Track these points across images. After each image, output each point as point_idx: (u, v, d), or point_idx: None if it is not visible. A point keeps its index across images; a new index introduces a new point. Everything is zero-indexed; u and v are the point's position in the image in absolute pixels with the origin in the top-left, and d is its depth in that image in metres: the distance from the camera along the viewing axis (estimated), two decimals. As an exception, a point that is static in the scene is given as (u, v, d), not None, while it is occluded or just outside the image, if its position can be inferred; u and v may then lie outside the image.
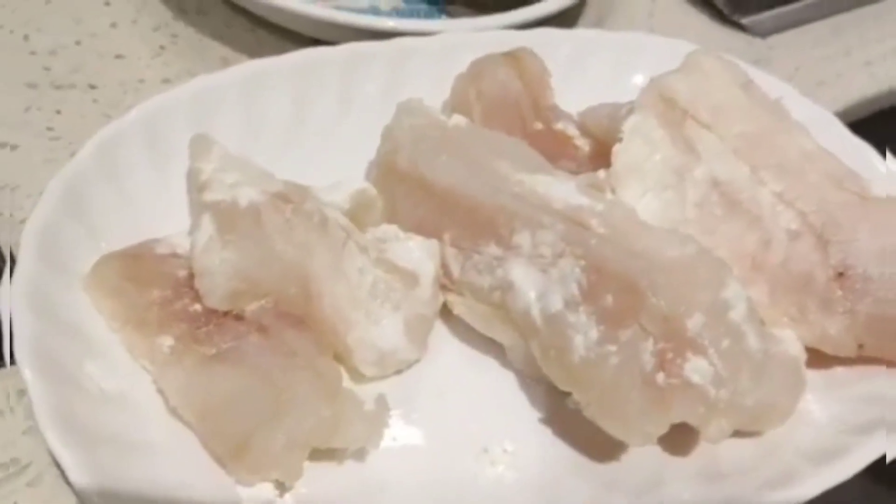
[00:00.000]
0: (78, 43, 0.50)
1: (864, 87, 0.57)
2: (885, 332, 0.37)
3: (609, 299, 0.32)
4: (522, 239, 0.34)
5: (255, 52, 0.51)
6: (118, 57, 0.49)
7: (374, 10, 0.53)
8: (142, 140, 0.38)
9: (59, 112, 0.46)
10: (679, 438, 0.34)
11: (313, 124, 0.43)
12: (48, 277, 0.33)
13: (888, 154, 0.45)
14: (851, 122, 0.50)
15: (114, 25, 0.51)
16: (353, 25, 0.47)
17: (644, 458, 0.34)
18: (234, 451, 0.29)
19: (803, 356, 0.36)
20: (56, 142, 0.44)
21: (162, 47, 0.50)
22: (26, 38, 0.50)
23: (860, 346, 0.37)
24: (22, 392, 0.34)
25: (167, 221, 0.37)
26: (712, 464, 0.34)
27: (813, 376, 0.37)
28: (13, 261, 0.38)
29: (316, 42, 0.48)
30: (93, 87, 0.47)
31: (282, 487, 0.30)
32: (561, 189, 0.35)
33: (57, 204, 0.34)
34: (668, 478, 0.33)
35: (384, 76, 0.44)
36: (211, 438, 0.30)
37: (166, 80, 0.49)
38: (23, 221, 0.40)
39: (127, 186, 0.37)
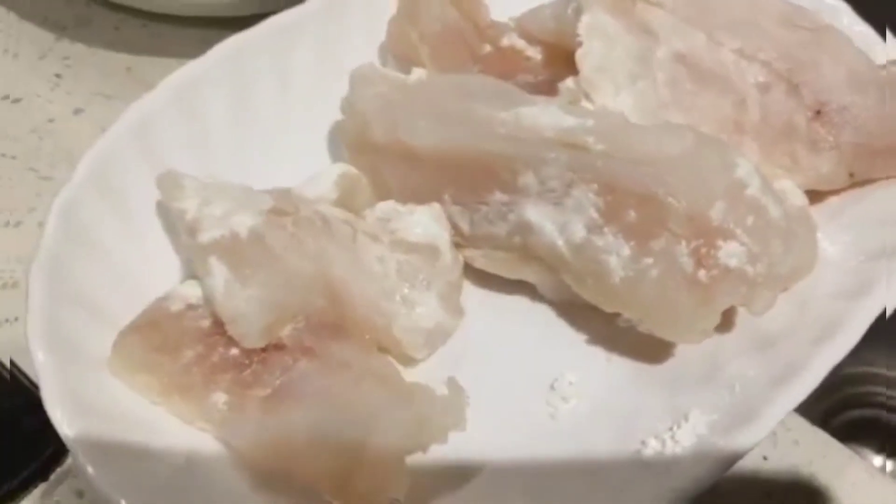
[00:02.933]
0: (-36, 100, 0.45)
1: None
2: (870, 155, 0.38)
3: (631, 214, 0.33)
4: (527, 179, 0.34)
5: (155, 49, 0.47)
6: (16, 101, 0.45)
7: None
8: (100, 196, 0.35)
9: (-21, 183, 0.42)
10: (722, 316, 0.35)
11: (259, 117, 0.40)
12: (73, 374, 0.30)
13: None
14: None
15: (-6, 67, 0.47)
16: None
17: (697, 349, 0.35)
18: (338, 483, 0.29)
19: (807, 202, 0.37)
20: (-6, 216, 0.41)
21: (58, 76, 0.46)
22: None
23: (851, 175, 0.39)
24: (81, 493, 0.33)
25: (157, 272, 0.35)
26: (758, 333, 0.35)
27: (813, 214, 0.38)
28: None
29: (215, 21, 0.45)
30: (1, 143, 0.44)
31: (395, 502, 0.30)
32: (545, 115, 0.35)
33: (47, 293, 0.32)
34: (725, 360, 0.35)
35: (316, 42, 0.41)
36: (307, 477, 0.30)
37: (78, 111, 0.45)
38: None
39: (104, 249, 0.35)
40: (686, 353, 0.35)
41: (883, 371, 0.63)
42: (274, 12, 0.41)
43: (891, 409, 0.61)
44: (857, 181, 0.39)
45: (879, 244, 0.37)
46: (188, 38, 0.41)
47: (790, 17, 0.40)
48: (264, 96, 0.40)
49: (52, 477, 0.33)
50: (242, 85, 0.40)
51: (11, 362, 0.36)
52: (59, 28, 0.48)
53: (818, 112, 0.38)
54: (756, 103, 0.39)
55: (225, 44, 0.40)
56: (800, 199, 0.37)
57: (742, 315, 0.36)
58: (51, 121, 0.44)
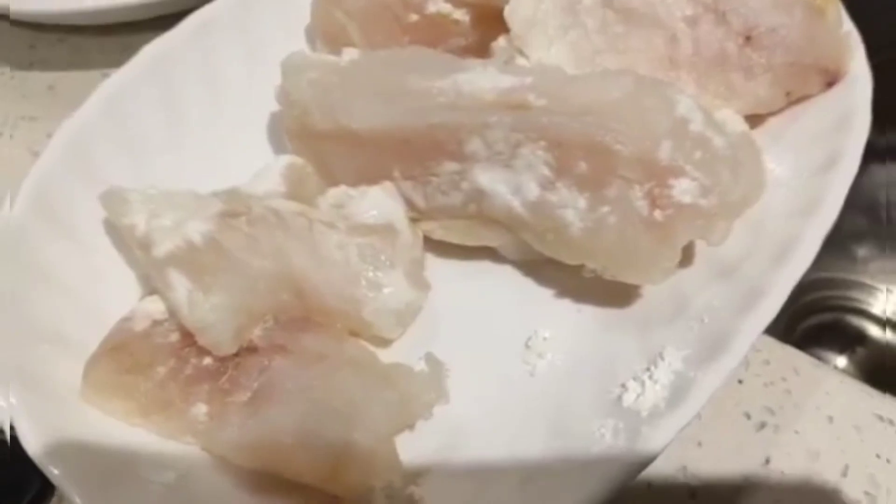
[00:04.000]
0: None
1: None
2: (803, 72, 0.39)
3: (582, 165, 0.33)
4: (474, 146, 0.34)
5: (76, 63, 0.46)
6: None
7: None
8: (43, 220, 0.34)
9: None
10: (682, 255, 0.36)
11: (191, 118, 0.40)
12: (50, 412, 0.30)
13: None
14: None
15: None
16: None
17: (662, 287, 0.36)
18: (331, 474, 0.29)
19: (747, 128, 0.38)
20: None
21: (-23, 104, 0.45)
22: None
23: (787, 94, 0.39)
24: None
25: (114, 293, 0.35)
26: (719, 263, 0.36)
27: (756, 138, 0.39)
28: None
29: (127, 29, 0.44)
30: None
31: (389, 488, 0.30)
32: (483, 79, 0.34)
33: (7, 333, 0.31)
34: (691, 294, 0.35)
35: (238, 34, 0.40)
36: (300, 473, 0.30)
37: (3, 136, 0.43)
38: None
39: (56, 276, 0.34)
40: (653, 294, 0.36)
41: (838, 275, 0.65)
42: (190, 10, 0.40)
43: (849, 311, 0.64)
44: (793, 99, 0.40)
45: (822, 158, 0.37)
46: (108, 47, 0.40)
47: (708, -54, 0.40)
48: (195, 97, 0.40)
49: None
50: (171, 88, 0.39)
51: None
52: (-30, 53, 0.46)
53: (748, 38, 0.39)
54: (687, 36, 0.39)
55: (147, 49, 0.39)
56: (740, 126, 0.37)
57: (701, 247, 0.37)
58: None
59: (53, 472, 0.29)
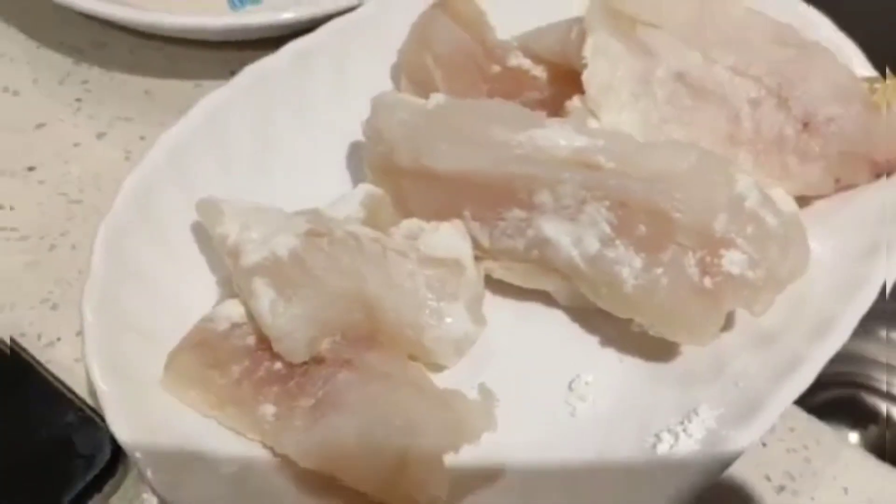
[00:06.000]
0: (-11, 124, 0.47)
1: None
2: (854, 163, 0.41)
3: (642, 229, 0.35)
4: (543, 197, 0.36)
5: (172, 72, 0.49)
6: (39, 126, 0.47)
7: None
8: (140, 224, 0.37)
9: (12, 208, 0.44)
10: (725, 321, 0.38)
11: (281, 140, 0.42)
12: (132, 396, 0.33)
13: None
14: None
15: (16, 94, 0.48)
16: (252, 25, 0.46)
17: (703, 348, 0.38)
18: (386, 484, 0.31)
19: (797, 208, 0.40)
20: (26, 242, 0.42)
21: (78, 100, 0.48)
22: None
23: (837, 181, 0.42)
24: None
25: (196, 292, 0.38)
26: (759, 332, 0.38)
27: (802, 218, 0.41)
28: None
29: (224, 45, 0.47)
30: (31, 168, 0.45)
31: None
32: (559, 137, 0.37)
33: (101, 321, 0.34)
34: (729, 358, 0.37)
35: (330, 66, 0.43)
36: (356, 480, 0.32)
37: (101, 135, 0.46)
38: (40, 338, 0.39)
39: (147, 274, 0.37)
40: (693, 353, 0.38)
41: (858, 351, 0.66)
42: (283, 38, 0.43)
43: (865, 388, 0.65)
44: (841, 186, 0.42)
45: (863, 245, 0.40)
46: (203, 60, 0.43)
47: (779, 34, 0.43)
48: (285, 121, 0.43)
49: (106, 488, 0.35)
50: (265, 110, 0.42)
51: (58, 380, 0.38)
52: (77, 52, 0.50)
53: (806, 124, 0.41)
54: (749, 117, 0.41)
55: (249, 69, 0.42)
56: (791, 206, 0.40)
57: (742, 315, 0.39)
58: (76, 145, 0.46)
59: (132, 450, 0.31)
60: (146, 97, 0.48)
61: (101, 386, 0.32)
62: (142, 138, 0.45)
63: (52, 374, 0.37)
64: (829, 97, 0.41)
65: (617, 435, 0.36)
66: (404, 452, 0.31)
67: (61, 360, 0.38)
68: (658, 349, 0.38)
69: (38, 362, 0.37)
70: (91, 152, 0.45)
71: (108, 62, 0.49)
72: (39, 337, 0.39)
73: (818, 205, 0.42)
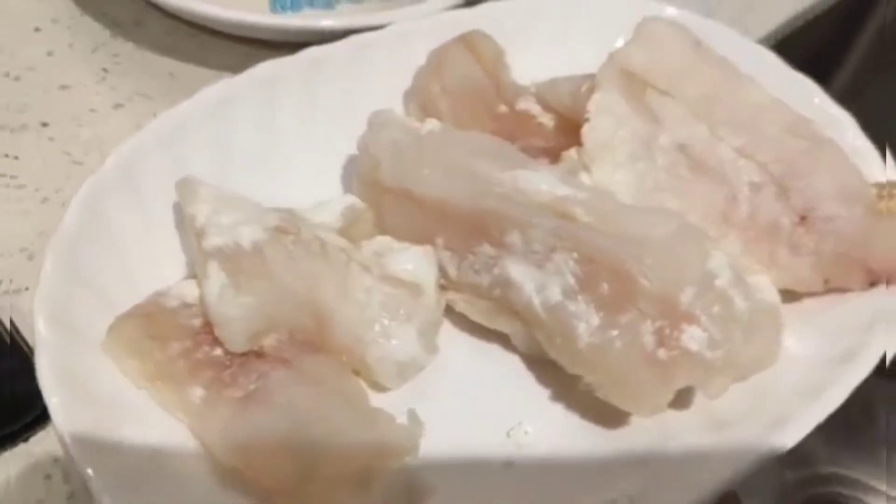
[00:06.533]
0: (17, 79, 0.48)
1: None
2: (848, 266, 0.40)
3: (605, 287, 0.35)
4: (514, 238, 0.36)
5: (200, 59, 0.50)
6: (63, 87, 0.48)
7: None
8: (123, 189, 0.38)
9: (17, 158, 0.45)
10: (680, 394, 0.37)
11: (281, 139, 0.43)
12: (68, 348, 0.33)
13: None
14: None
15: (50, 54, 0.50)
16: (288, 28, 0.47)
17: (652, 420, 0.37)
18: (291, 487, 0.31)
19: (779, 300, 0.39)
20: (22, 190, 0.44)
21: (105, 70, 0.49)
22: (-38, 79, 0.49)
23: (826, 282, 0.41)
24: (57, 459, 0.35)
25: (163, 268, 0.38)
26: (713, 414, 0.37)
27: (785, 312, 0.40)
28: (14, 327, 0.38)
29: (258, 42, 0.48)
30: (45, 124, 0.46)
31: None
32: (542, 182, 0.37)
33: (58, 273, 0.34)
34: (676, 432, 0.36)
35: (344, 78, 0.44)
36: (264, 479, 0.32)
37: (118, 106, 0.48)
38: (12, 282, 0.40)
39: (118, 240, 0.37)
40: (641, 425, 0.37)
41: (859, 476, 0.64)
42: (310, 44, 0.44)
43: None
44: (831, 287, 0.41)
45: (841, 350, 0.38)
46: (232, 53, 0.44)
47: (794, 125, 0.42)
48: (289, 121, 0.43)
49: (33, 439, 0.36)
50: (271, 108, 0.43)
51: (13, 325, 0.38)
52: (115, 25, 0.51)
53: (804, 217, 0.40)
54: (746, 200, 0.41)
55: (260, 67, 0.43)
56: (772, 295, 0.39)
57: (701, 396, 0.38)
58: (92, 111, 0.47)
59: (53, 401, 0.31)
60: (169, 78, 0.49)
61: (40, 329, 0.32)
62: (155, 115, 0.46)
63: (9, 321, 0.38)
64: (833, 195, 0.40)
65: (544, 489, 0.35)
66: (316, 462, 0.31)
67: (22, 308, 0.39)
68: (608, 414, 0.37)
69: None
70: (105, 120, 0.47)
71: (141, 40, 0.51)
72: (11, 282, 0.40)
73: (808, 302, 0.41)
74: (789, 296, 0.41)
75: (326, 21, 0.48)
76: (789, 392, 0.37)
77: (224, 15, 0.47)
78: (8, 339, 0.38)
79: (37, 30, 0.51)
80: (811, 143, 0.42)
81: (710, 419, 0.37)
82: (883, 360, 0.37)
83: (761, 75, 0.44)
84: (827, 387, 0.36)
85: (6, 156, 0.45)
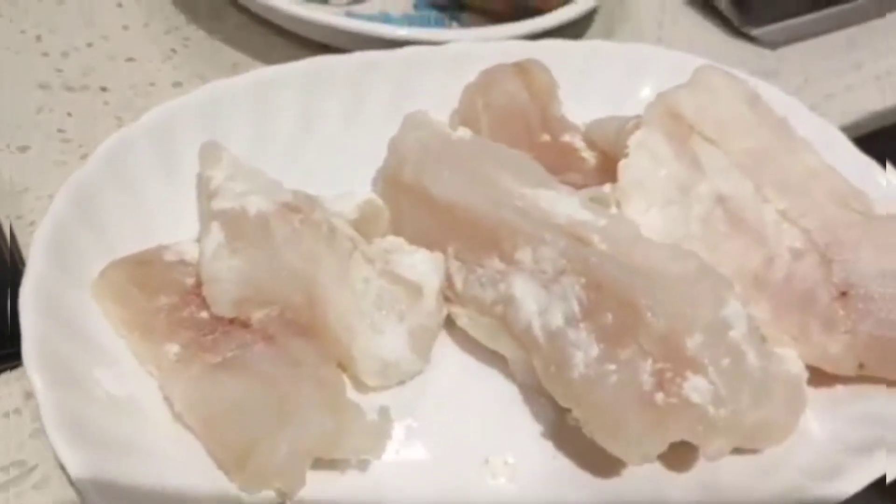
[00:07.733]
0: (90, 45, 0.51)
1: (874, 100, 0.57)
2: (885, 352, 0.37)
3: (609, 317, 0.33)
4: (524, 254, 0.35)
5: (266, 57, 0.51)
6: (129, 60, 0.50)
7: (385, 17, 0.54)
8: (152, 146, 0.38)
9: (70, 114, 0.46)
10: (680, 452, 0.34)
11: (321, 132, 0.43)
12: (57, 282, 0.33)
13: (888, 166, 0.45)
14: (861, 135, 0.51)
15: (126, 28, 0.52)
16: (363, 33, 0.48)
17: (645, 472, 0.34)
18: (237, 458, 0.30)
19: (805, 375, 0.36)
20: (67, 144, 0.45)
21: (173, 50, 0.51)
22: (39, 38, 0.51)
23: (860, 366, 0.37)
24: (30, 394, 0.35)
25: (177, 227, 0.38)
26: (712, 479, 0.34)
27: (814, 394, 0.37)
28: (24, 263, 0.39)
29: (326, 48, 0.49)
30: (104, 89, 0.48)
31: (283, 496, 0.30)
32: (564, 204, 0.36)
33: (67, 209, 0.35)
34: (669, 492, 0.34)
35: (393, 85, 0.44)
36: (214, 446, 0.31)
37: (177, 84, 0.49)
38: (32, 224, 0.41)
39: (137, 192, 0.38)
40: (633, 473, 0.34)
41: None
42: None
43: None
44: (866, 375, 0.38)
45: (862, 442, 0.35)
46: (296, 55, 0.44)
47: (846, 196, 0.40)
48: (331, 118, 0.43)
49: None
50: (315, 100, 0.43)
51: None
52: (193, 14, 0.53)
53: (843, 293, 0.37)
54: (785, 265, 0.38)
55: (314, 60, 0.43)
56: (797, 369, 0.36)
57: (701, 458, 0.35)
58: (151, 84, 0.49)
59: (29, 332, 0.31)
60: (231, 68, 0.50)
61: (34, 258, 0.32)
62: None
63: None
64: (879, 275, 0.37)
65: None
66: (266, 435, 0.30)
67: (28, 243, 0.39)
68: (599, 462, 0.34)
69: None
70: (161, 94, 0.48)
71: (214, 30, 0.53)
72: (31, 223, 0.41)
73: (839, 388, 0.38)
74: (823, 379, 0.38)
75: (401, 31, 0.48)
76: (798, 471, 0.34)
77: (293, 10, 0.48)
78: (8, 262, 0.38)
79: (119, 5, 0.53)
80: (863, 216, 0.39)
81: (707, 483, 0.34)
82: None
83: (823, 148, 0.42)
84: (837, 475, 0.33)
85: (62, 112, 0.46)
